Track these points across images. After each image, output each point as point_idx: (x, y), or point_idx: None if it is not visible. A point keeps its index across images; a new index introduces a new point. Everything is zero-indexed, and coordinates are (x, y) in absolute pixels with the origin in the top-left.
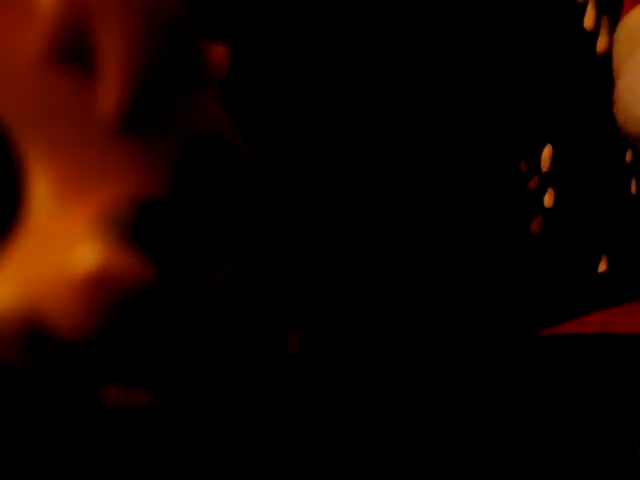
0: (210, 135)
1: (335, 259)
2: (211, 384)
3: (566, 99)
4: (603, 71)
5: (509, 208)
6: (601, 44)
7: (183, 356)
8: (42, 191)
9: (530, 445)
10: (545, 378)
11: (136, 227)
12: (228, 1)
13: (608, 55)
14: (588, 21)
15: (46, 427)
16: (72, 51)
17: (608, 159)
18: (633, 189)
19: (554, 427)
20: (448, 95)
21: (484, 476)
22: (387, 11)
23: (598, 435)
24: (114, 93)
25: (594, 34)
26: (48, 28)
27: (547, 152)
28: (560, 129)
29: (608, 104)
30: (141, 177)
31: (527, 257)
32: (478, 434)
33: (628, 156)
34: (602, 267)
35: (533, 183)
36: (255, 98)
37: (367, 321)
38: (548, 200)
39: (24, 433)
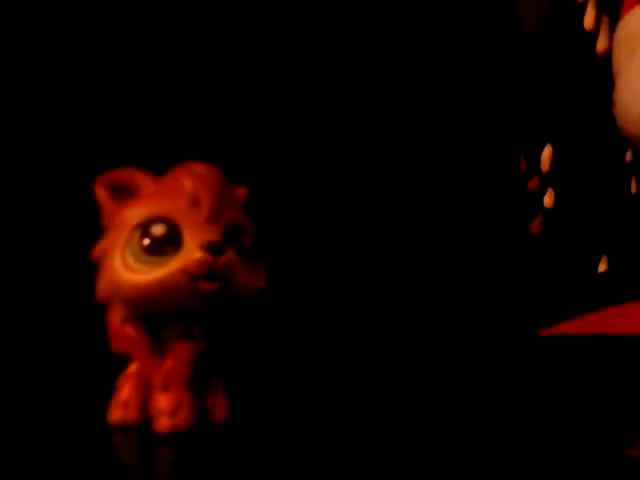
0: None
1: (333, 255)
2: None
3: (566, 99)
4: (603, 71)
5: (509, 208)
6: (601, 44)
7: None
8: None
9: (530, 445)
10: (545, 378)
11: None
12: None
13: (608, 55)
14: (588, 21)
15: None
16: None
17: (608, 159)
18: (633, 189)
19: (554, 427)
20: (448, 95)
21: (484, 476)
22: (388, 12)
23: (598, 435)
24: None
25: (594, 34)
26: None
27: (547, 152)
28: (560, 129)
29: (608, 104)
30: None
31: (527, 257)
32: (478, 434)
33: (628, 156)
34: (602, 267)
35: (533, 183)
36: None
37: (368, 321)
38: (548, 200)
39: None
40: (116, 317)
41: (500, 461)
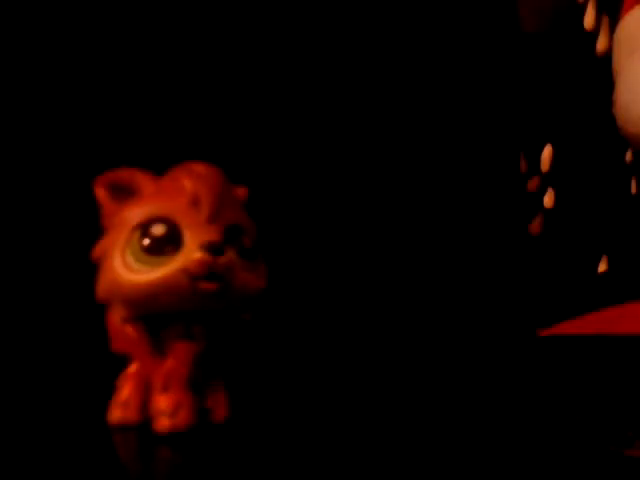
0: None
1: (334, 252)
2: None
3: (566, 99)
4: (603, 71)
5: (509, 208)
6: (601, 44)
7: None
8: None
9: (530, 445)
10: (545, 378)
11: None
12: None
13: (608, 55)
14: (588, 21)
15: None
16: None
17: (608, 159)
18: (633, 189)
19: (554, 427)
20: (448, 95)
21: (484, 476)
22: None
23: (598, 435)
24: None
25: (594, 34)
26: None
27: (547, 152)
28: (560, 129)
29: (608, 104)
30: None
31: (527, 257)
32: (478, 434)
33: (628, 156)
34: (602, 267)
35: (533, 183)
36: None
37: (368, 320)
38: (548, 200)
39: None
40: (116, 317)
41: (500, 461)
